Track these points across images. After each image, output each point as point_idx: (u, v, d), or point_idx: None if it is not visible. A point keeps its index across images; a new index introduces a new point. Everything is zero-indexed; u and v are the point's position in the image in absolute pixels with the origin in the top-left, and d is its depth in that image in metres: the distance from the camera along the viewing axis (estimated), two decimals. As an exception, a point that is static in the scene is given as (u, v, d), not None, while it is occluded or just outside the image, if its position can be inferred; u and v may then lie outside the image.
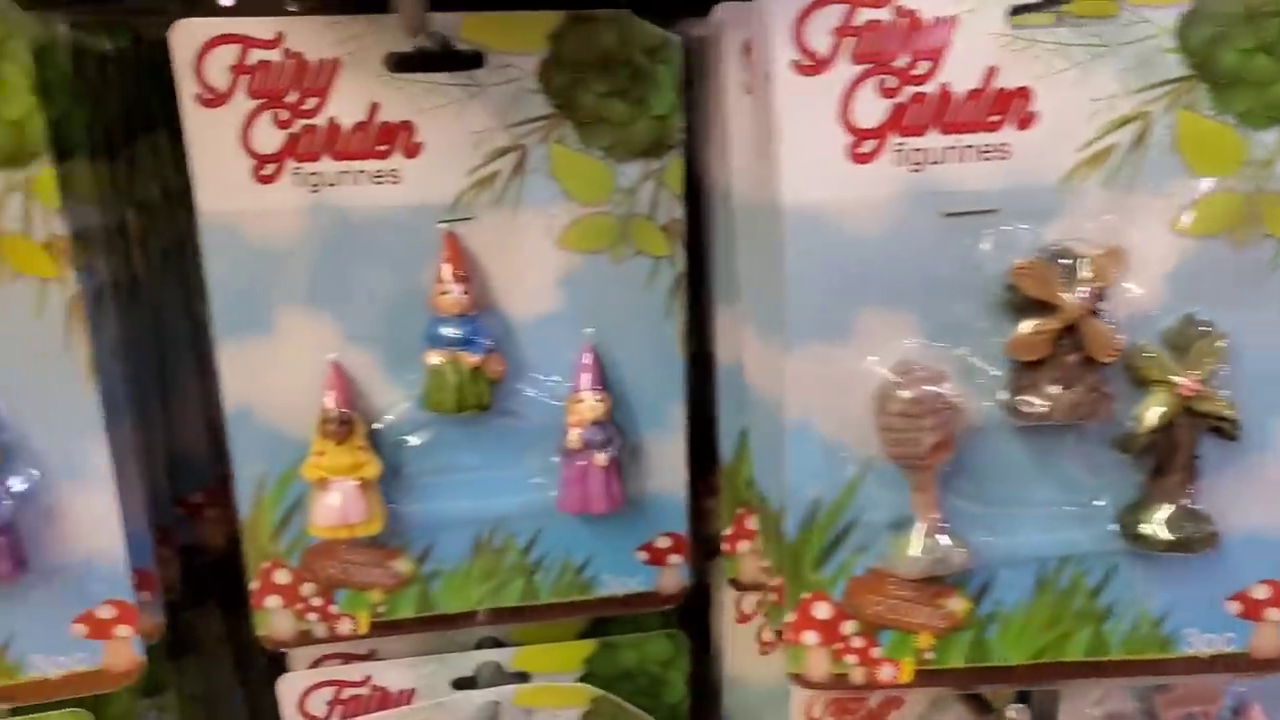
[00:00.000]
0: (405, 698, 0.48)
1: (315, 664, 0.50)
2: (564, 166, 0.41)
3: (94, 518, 0.40)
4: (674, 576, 0.47)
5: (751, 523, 0.47)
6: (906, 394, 0.35)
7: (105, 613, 0.41)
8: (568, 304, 0.43)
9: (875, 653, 0.40)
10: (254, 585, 0.44)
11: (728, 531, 0.48)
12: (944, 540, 0.36)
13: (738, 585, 0.49)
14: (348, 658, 0.50)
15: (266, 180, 0.40)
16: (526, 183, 0.41)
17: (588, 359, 0.43)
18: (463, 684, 0.48)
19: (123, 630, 0.41)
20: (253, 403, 0.42)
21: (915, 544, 0.36)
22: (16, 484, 0.39)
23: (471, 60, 0.40)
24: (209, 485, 0.51)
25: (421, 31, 0.31)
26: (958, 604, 0.39)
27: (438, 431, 0.43)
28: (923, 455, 0.35)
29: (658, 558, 0.46)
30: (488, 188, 0.41)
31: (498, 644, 0.50)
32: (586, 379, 0.43)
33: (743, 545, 0.48)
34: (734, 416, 0.46)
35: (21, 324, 0.38)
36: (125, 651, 0.41)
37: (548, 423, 0.44)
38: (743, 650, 0.54)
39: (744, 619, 0.53)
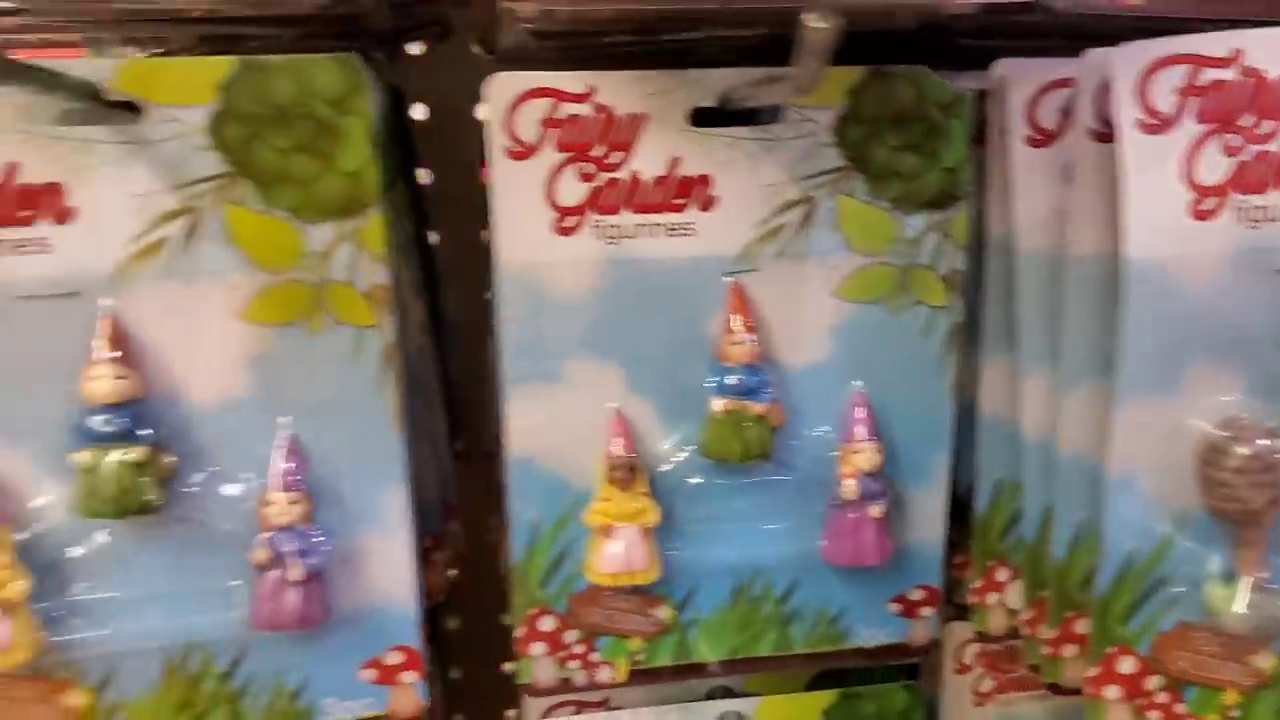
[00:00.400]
0: (649, 748, 0.48)
1: (546, 715, 0.50)
2: (850, 218, 0.42)
3: (391, 565, 0.40)
4: (924, 629, 0.47)
5: (1001, 575, 0.47)
6: (1244, 450, 0.35)
7: (393, 659, 0.41)
8: (840, 354, 0.43)
9: (1179, 708, 0.39)
10: (519, 632, 0.44)
11: (977, 584, 0.47)
12: (1271, 597, 0.36)
13: (985, 637, 0.49)
14: (580, 706, 0.50)
15: (567, 232, 0.40)
16: (812, 234, 0.42)
17: (862, 409, 0.43)
18: (705, 734, 0.48)
19: (408, 676, 0.41)
20: (535, 450, 0.42)
21: (1241, 600, 0.36)
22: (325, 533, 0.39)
23: (769, 115, 0.41)
24: (437, 532, 0.52)
25: (811, 91, 0.31)
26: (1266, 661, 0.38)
27: (707, 480, 0.44)
28: (1257, 511, 0.35)
29: (910, 610, 0.46)
30: (774, 240, 0.42)
31: (729, 693, 0.50)
32: (862, 429, 0.43)
33: (991, 597, 0.47)
34: (993, 468, 0.46)
35: (338, 372, 0.39)
36: (410, 697, 0.41)
37: (815, 473, 0.44)
38: (959, 701, 0.53)
39: (963, 670, 0.53)
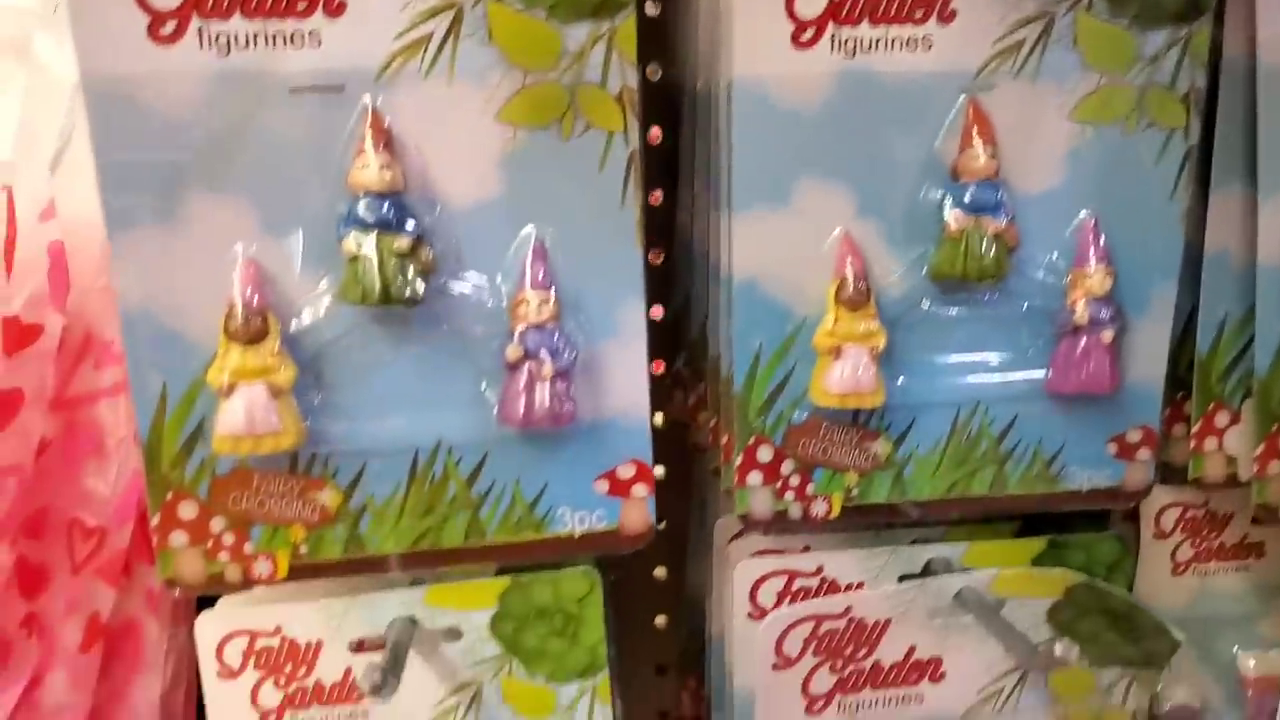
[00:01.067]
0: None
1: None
2: (1089, 36, 0.41)
3: (627, 375, 0.41)
4: (1141, 473, 0.46)
5: (1221, 419, 0.46)
6: None
7: (625, 472, 0.41)
8: (1071, 179, 0.43)
9: None
10: (737, 461, 0.44)
11: (1196, 428, 0.46)
12: None
13: (1199, 484, 0.47)
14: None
15: (805, 45, 0.40)
16: (1048, 54, 0.41)
17: (1094, 233, 0.42)
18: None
19: (640, 490, 0.41)
20: (758, 275, 0.42)
21: None
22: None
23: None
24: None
25: None
26: None
27: (933, 307, 0.43)
28: None
29: (1127, 452, 0.46)
30: (1010, 58, 0.41)
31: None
32: (1095, 252, 0.42)
33: (1210, 443, 0.46)
34: (1217, 305, 0.45)
35: (587, 178, 0.39)
36: (640, 512, 0.42)
37: (1043, 303, 0.43)
38: (1155, 567, 0.52)
39: (1161, 535, 0.52)
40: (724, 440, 0.44)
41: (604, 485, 0.41)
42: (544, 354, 0.38)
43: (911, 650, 0.44)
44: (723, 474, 0.45)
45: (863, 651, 0.44)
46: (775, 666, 0.43)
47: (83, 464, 0.44)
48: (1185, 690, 0.53)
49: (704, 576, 0.56)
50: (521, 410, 0.38)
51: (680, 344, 0.50)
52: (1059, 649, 0.36)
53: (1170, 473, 0.48)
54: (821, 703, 0.44)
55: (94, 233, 0.37)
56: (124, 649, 0.48)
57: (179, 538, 0.38)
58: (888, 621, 0.44)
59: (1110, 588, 0.43)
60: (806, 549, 0.49)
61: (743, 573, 0.47)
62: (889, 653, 0.44)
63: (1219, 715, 0.54)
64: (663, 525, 0.68)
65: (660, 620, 0.73)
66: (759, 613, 0.46)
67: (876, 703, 0.45)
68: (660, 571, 0.71)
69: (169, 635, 0.48)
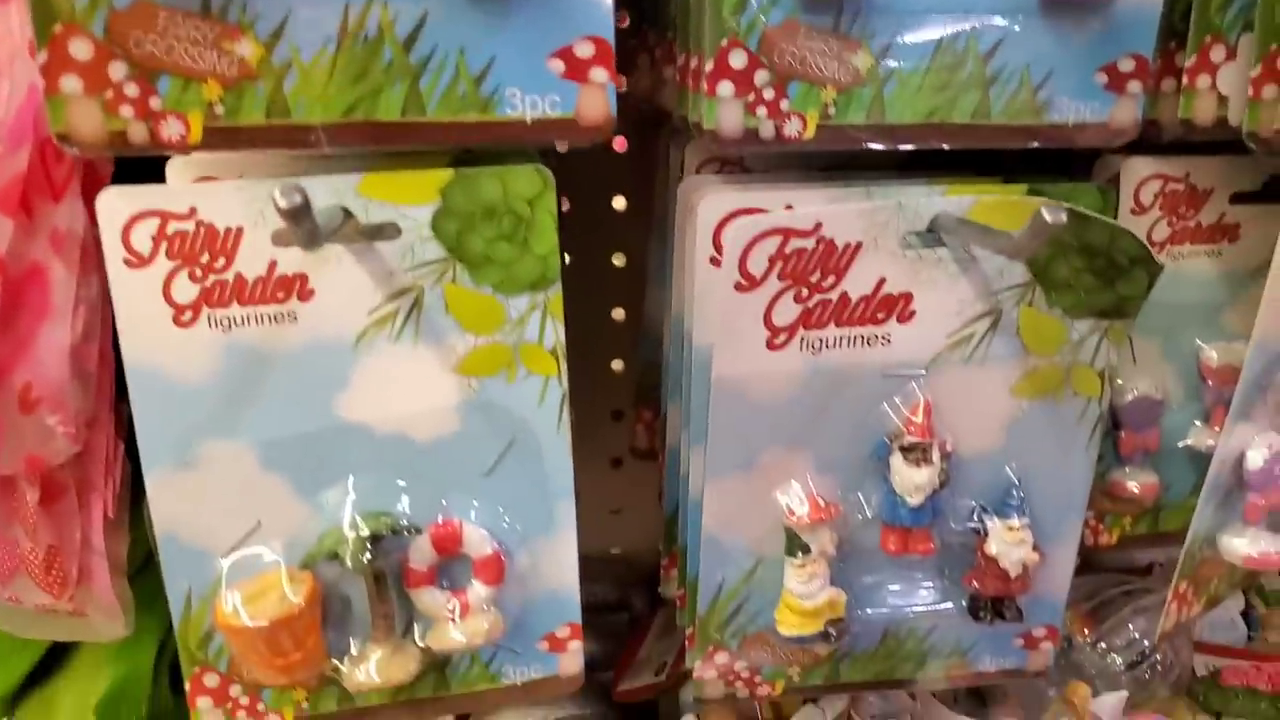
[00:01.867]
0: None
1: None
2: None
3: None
4: (1130, 110, 0.43)
5: (1217, 53, 0.43)
6: None
7: (583, 50, 0.37)
8: None
9: None
10: (708, 66, 0.40)
11: (1190, 62, 0.44)
12: None
13: (1187, 126, 0.45)
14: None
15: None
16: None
17: None
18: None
19: (599, 74, 0.37)
20: None
21: None
22: None
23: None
24: None
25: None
26: None
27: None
28: None
29: (1118, 82, 0.42)
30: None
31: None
32: None
33: (1202, 80, 0.44)
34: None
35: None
36: (599, 100, 0.38)
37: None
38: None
39: (1139, 210, 0.50)
40: (693, 63, 0.40)
41: (558, 65, 0.37)
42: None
43: (881, 283, 0.42)
44: (690, 102, 0.42)
45: (830, 280, 0.41)
46: (738, 286, 0.40)
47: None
48: (1147, 381, 0.52)
49: (661, 312, 0.54)
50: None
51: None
52: (1047, 213, 0.33)
53: (1156, 132, 0.46)
54: (784, 336, 0.42)
55: None
56: (28, 295, 0.44)
57: (71, 83, 0.34)
58: (859, 246, 0.41)
59: (1094, 215, 0.41)
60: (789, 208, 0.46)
61: (707, 210, 0.44)
62: (858, 283, 0.42)
63: (1179, 408, 0.53)
64: (624, 262, 0.66)
65: (616, 365, 0.72)
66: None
67: (842, 341, 0.43)
68: (619, 313, 0.69)
69: (79, 284, 0.44)
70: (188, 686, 0.43)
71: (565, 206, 0.64)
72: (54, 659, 0.60)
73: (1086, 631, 0.69)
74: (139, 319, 0.38)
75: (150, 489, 0.40)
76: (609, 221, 0.65)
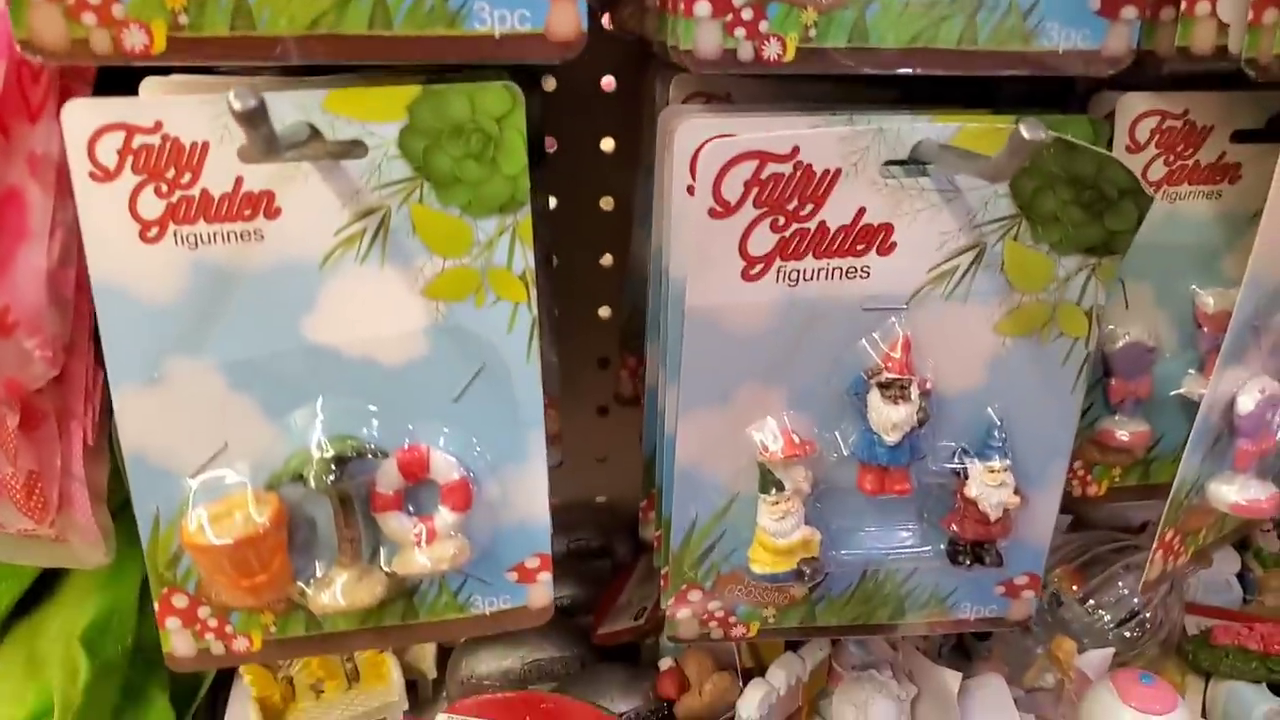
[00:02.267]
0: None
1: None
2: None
3: None
4: (1124, 37, 0.42)
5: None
6: None
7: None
8: None
9: None
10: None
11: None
12: None
13: (1186, 53, 0.44)
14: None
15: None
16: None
17: None
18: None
19: (568, -11, 0.37)
20: None
21: None
22: None
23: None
24: None
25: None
26: None
27: None
28: None
29: (1111, 8, 0.41)
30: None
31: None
32: None
33: (1201, 7, 0.42)
34: None
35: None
36: (570, 14, 0.37)
37: None
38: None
39: (1135, 148, 0.48)
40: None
41: None
42: None
43: (861, 213, 0.41)
44: (668, 26, 0.41)
45: (809, 208, 0.41)
46: (713, 213, 0.40)
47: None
48: (1139, 328, 0.51)
49: (647, 255, 0.53)
50: None
51: None
52: (1025, 129, 0.32)
53: (1155, 64, 0.44)
54: (760, 266, 0.41)
55: None
56: (5, 218, 0.43)
57: (30, -18, 0.33)
58: (838, 173, 0.40)
59: (1081, 143, 0.40)
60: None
61: (684, 137, 0.43)
62: (836, 213, 0.41)
63: (1172, 355, 0.52)
64: (611, 205, 0.65)
65: (604, 311, 0.71)
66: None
67: (820, 273, 0.42)
68: (606, 259, 0.68)
69: (56, 207, 0.44)
70: (156, 607, 0.43)
71: (553, 147, 0.63)
72: (42, 588, 0.61)
73: (1075, 588, 0.68)
74: (105, 234, 0.38)
75: (117, 406, 0.39)
76: (597, 164, 0.64)
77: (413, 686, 0.64)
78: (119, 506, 0.49)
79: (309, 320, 0.40)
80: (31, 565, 0.54)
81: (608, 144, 0.64)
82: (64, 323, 0.45)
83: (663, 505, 0.49)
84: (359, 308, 0.40)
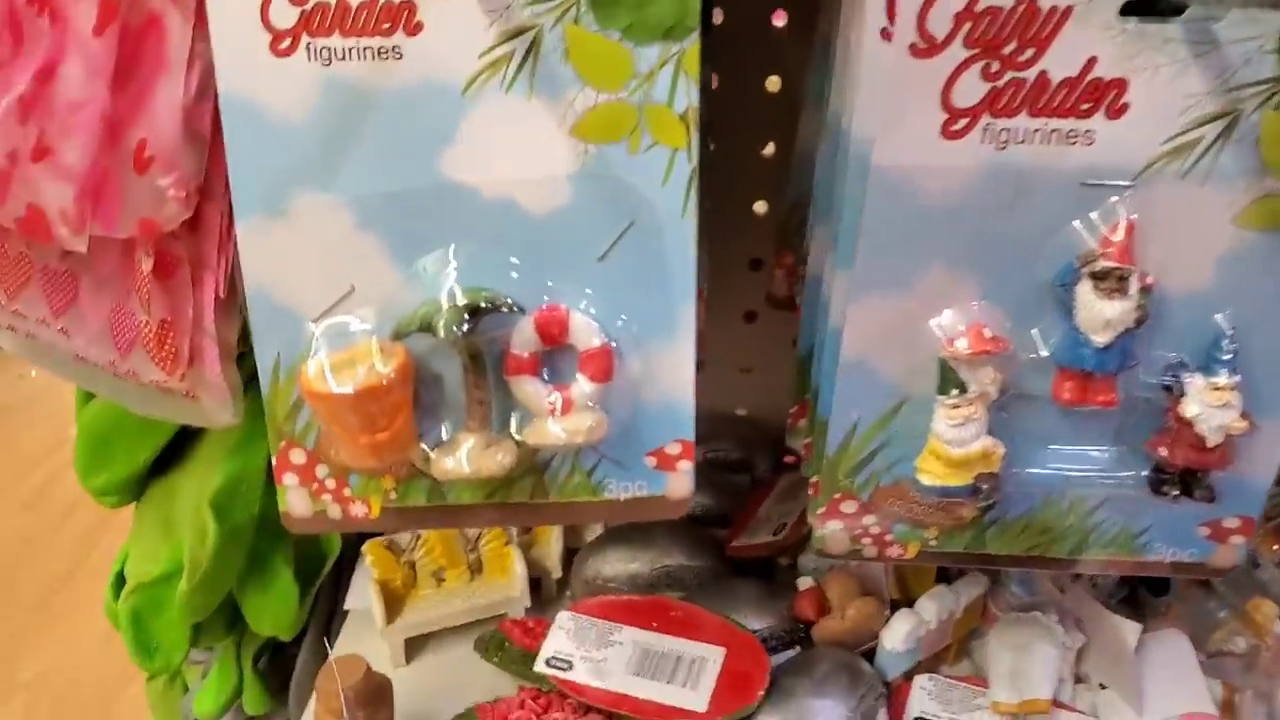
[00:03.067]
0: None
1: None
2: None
3: None
4: None
5: None
6: None
7: None
8: None
9: None
10: None
11: None
12: None
13: None
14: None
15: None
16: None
17: None
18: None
19: None
20: None
21: None
22: None
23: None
24: None
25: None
26: None
27: None
28: None
29: None
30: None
31: None
32: None
33: None
34: None
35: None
36: None
37: None
38: None
39: None
40: None
41: None
42: None
43: (1091, 63, 0.34)
44: None
45: (1028, 53, 0.34)
46: (915, 50, 0.34)
47: None
48: None
49: (818, 141, 0.47)
50: None
51: None
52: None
53: None
54: (965, 121, 0.35)
55: None
56: (145, 48, 0.41)
57: None
58: (1068, 11, 0.33)
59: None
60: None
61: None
62: (1061, 61, 0.34)
63: None
64: (778, 87, 0.60)
65: (759, 207, 0.65)
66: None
67: (1034, 135, 0.35)
68: (768, 148, 0.62)
69: (194, 38, 0.41)
70: (274, 461, 0.41)
71: (719, 19, 0.58)
72: (175, 451, 0.61)
73: (1276, 548, 0.60)
74: (235, 43, 0.35)
75: (241, 238, 0.37)
76: (766, 40, 0.58)
77: (536, 585, 0.62)
78: (249, 376, 0.48)
79: (448, 154, 0.36)
80: (163, 419, 0.54)
81: (780, 19, 0.58)
82: (199, 161, 0.42)
83: (818, 409, 0.44)
84: (502, 143, 0.36)
